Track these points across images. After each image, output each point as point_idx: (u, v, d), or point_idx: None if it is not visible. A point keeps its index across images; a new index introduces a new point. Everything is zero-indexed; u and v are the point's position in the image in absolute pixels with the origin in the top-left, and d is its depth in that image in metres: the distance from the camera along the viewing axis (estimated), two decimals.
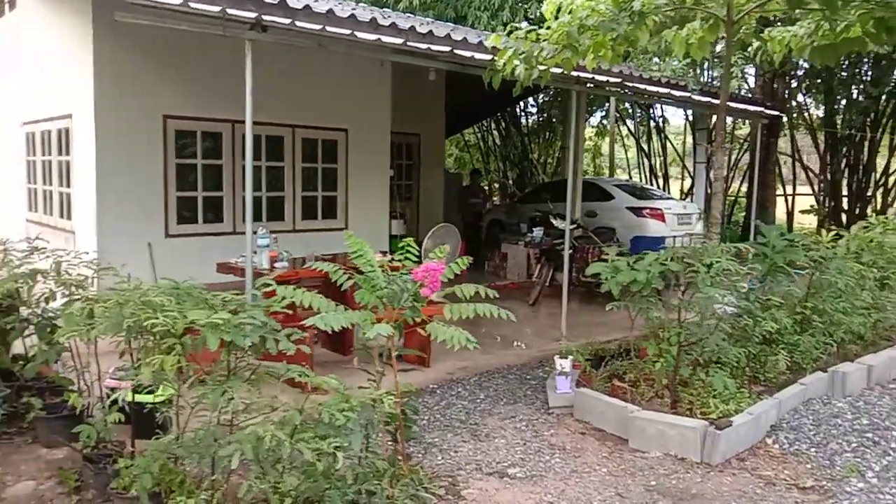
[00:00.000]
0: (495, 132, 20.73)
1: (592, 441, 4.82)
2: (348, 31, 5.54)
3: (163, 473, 3.43)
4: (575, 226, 8.71)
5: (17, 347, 5.00)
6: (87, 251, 6.12)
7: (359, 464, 3.50)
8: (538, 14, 12.22)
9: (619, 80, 7.91)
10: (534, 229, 10.43)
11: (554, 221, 9.80)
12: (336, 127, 8.74)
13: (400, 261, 4.03)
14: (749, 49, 6.95)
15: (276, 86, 7.38)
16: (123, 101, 7.07)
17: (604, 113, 19.61)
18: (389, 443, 3.96)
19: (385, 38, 5.78)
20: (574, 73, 6.64)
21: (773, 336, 5.86)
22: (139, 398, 4.06)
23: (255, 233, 5.77)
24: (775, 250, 6.17)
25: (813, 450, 4.69)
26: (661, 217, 10.79)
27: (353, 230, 8.49)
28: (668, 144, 19.15)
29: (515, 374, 6.33)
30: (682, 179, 20.35)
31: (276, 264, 6.02)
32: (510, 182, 20.47)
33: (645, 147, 19.25)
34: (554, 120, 19.72)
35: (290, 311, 3.60)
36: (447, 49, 6.19)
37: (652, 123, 19.08)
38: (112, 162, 7.05)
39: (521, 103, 18.93)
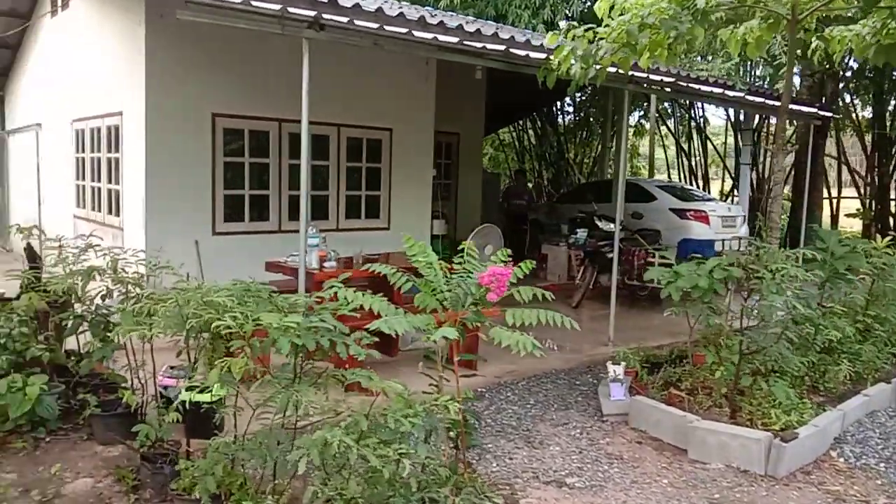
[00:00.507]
0: (531, 131, 20.53)
1: (650, 451, 4.70)
2: (405, 30, 5.48)
3: (223, 475, 3.40)
4: (620, 227, 8.56)
5: (71, 343, 5.03)
6: (139, 249, 6.18)
7: (422, 471, 3.43)
8: (579, 12, 12.09)
9: (672, 79, 7.74)
10: (577, 230, 10.24)
11: (599, 223, 9.63)
12: (381, 126, 8.70)
13: (460, 263, 3.96)
14: (808, 49, 6.73)
15: (323, 85, 7.30)
16: (173, 99, 7.09)
17: (641, 112, 19.32)
18: (450, 449, 3.89)
19: (441, 38, 5.71)
20: (629, 73, 6.50)
21: (834, 345, 5.69)
22: (197, 397, 4.03)
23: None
24: (835, 256, 5.99)
25: (882, 465, 4.52)
26: (706, 219, 10.55)
27: (395, 230, 8.56)
28: (709, 145, 18.80)
29: (564, 378, 6.22)
30: (722, 180, 19.96)
31: (325, 264, 5.98)
32: (546, 182, 20.25)
33: (685, 147, 18.92)
34: (591, 119, 19.49)
35: (358, 315, 3.54)
36: (502, 48, 6.09)
37: (692, 123, 18.75)
38: (161, 159, 7.08)
39: (558, 102, 18.71)
